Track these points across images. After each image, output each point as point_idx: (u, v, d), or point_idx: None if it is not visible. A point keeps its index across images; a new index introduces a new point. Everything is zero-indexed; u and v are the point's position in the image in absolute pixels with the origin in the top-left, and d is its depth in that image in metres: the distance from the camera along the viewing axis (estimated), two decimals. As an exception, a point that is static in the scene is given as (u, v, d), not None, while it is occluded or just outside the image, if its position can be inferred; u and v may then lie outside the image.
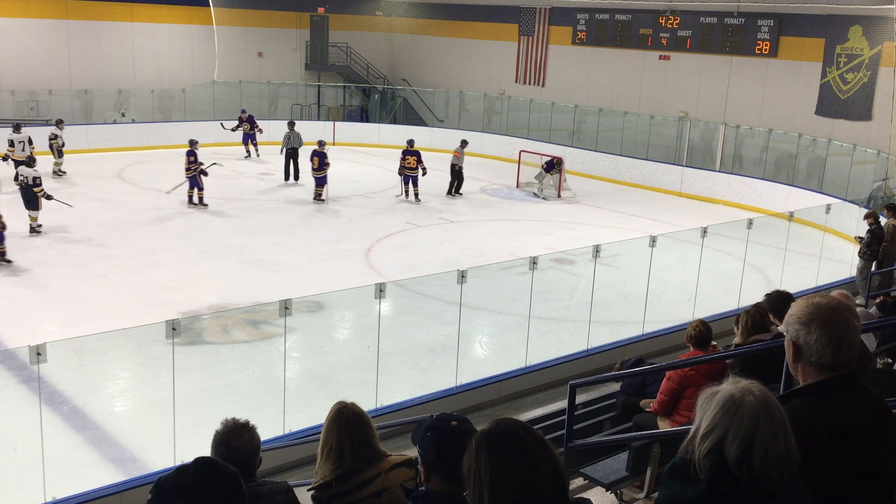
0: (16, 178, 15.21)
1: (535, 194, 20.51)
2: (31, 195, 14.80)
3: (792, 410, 1.98)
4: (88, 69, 25.01)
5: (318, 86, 29.18)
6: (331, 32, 29.71)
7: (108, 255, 13.86)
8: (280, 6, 28.48)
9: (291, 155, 20.46)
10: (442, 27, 29.66)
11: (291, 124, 21.21)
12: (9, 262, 12.99)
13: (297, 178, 20.45)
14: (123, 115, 25.06)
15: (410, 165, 19.03)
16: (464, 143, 20.43)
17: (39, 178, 14.96)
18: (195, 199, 17.72)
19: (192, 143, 18.11)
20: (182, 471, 2.13)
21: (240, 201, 18.38)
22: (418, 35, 30.39)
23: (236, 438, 3.05)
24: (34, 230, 14.88)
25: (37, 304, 11.54)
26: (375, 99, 30.19)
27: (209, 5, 27.04)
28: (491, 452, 1.88)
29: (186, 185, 17.59)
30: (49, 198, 15.10)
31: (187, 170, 17.60)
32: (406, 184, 19.17)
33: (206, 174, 17.67)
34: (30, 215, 14.85)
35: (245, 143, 23.66)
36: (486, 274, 12.05)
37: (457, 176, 19.94)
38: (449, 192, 19.89)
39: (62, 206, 15.49)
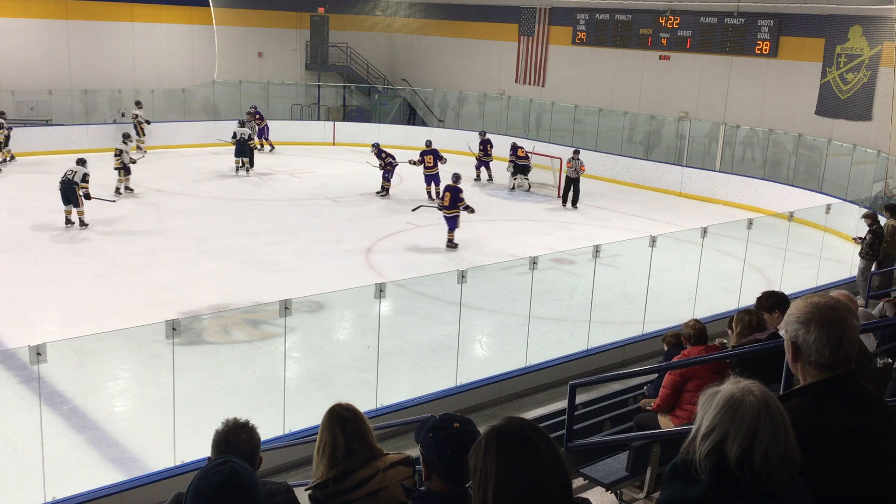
0: None
1: (511, 189, 20.83)
2: (72, 192, 15.05)
3: (791, 410, 1.98)
4: (88, 69, 25.00)
5: (318, 86, 29.17)
6: (331, 32, 29.70)
7: (108, 255, 13.87)
8: (280, 6, 28.48)
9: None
10: (442, 27, 29.65)
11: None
12: None
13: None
14: (123, 115, 25.05)
15: (429, 164, 19.41)
16: (577, 152, 19.67)
17: (88, 176, 15.43)
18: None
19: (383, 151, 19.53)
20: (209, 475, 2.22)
21: (240, 201, 18.38)
22: (418, 35, 30.38)
23: (235, 438, 3.05)
24: (82, 223, 15.21)
25: (37, 304, 11.54)
26: (375, 99, 30.19)
27: (209, 5, 27.03)
28: (500, 450, 1.89)
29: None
30: (89, 197, 15.38)
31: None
32: (428, 185, 19.42)
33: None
34: (76, 210, 15.22)
35: (259, 138, 23.95)
36: (486, 274, 12.06)
37: (574, 186, 19.32)
38: (565, 203, 19.38)
39: (61, 207, 15.43)
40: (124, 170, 18.09)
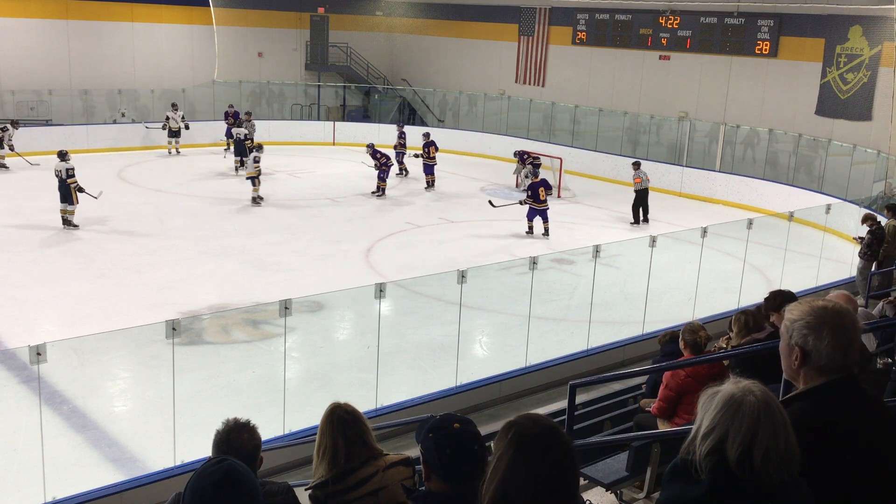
0: None
1: (517, 187, 20.86)
2: (67, 189, 15.09)
3: (795, 413, 1.98)
4: (88, 69, 25.00)
5: (318, 86, 29.17)
6: (331, 32, 29.70)
7: (108, 254, 13.86)
8: (280, 6, 28.47)
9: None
10: (442, 27, 29.65)
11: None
12: None
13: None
14: (123, 115, 25.05)
15: (431, 155, 20.33)
16: (637, 164, 18.60)
17: (73, 169, 15.30)
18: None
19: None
20: (206, 474, 2.22)
21: (240, 201, 18.37)
22: (418, 35, 30.38)
23: (236, 438, 3.05)
24: (70, 224, 15.14)
25: (37, 304, 11.54)
26: (375, 99, 30.18)
27: (209, 5, 27.03)
28: (515, 452, 1.90)
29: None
30: (81, 190, 15.35)
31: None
32: (428, 174, 20.49)
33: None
34: (66, 209, 15.15)
35: (226, 137, 23.43)
36: (486, 274, 12.04)
37: (643, 200, 18.22)
38: (637, 221, 18.03)
39: (59, 207, 15.40)
40: (257, 179, 18.04)
